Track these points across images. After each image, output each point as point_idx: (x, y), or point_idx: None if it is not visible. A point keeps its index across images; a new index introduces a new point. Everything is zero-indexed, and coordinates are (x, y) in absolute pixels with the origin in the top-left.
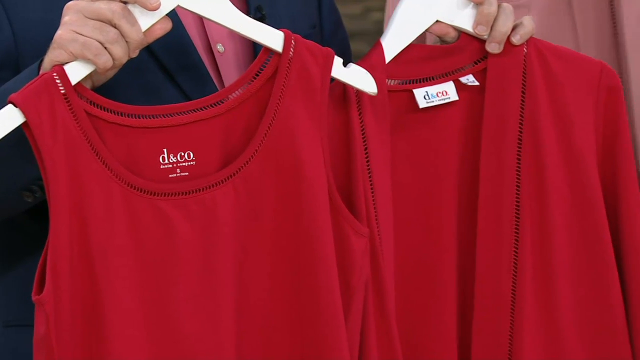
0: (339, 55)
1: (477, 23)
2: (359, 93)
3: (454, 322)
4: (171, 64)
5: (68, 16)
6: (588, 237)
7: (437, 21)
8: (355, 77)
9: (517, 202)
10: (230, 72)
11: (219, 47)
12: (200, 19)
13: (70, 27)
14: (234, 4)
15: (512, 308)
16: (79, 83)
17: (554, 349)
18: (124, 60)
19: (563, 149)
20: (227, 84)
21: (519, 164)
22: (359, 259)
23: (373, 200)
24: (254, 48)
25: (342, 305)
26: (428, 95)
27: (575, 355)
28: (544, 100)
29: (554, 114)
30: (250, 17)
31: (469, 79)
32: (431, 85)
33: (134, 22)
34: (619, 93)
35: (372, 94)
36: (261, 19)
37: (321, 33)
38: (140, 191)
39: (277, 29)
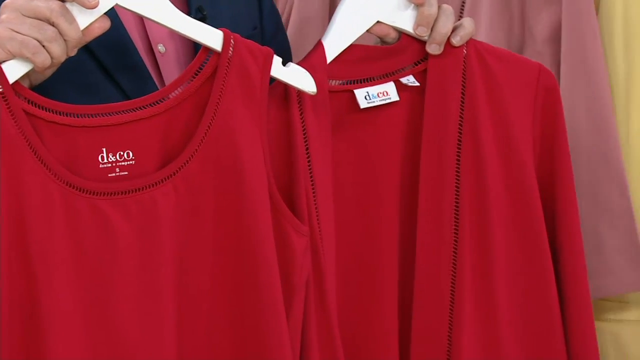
0: (279, 56)
1: (417, 24)
2: (300, 93)
3: (395, 321)
4: (111, 63)
5: (5, 14)
6: (525, 236)
7: (378, 22)
8: (295, 76)
9: (457, 201)
10: (171, 72)
11: (160, 48)
12: (141, 19)
13: (8, 25)
14: (174, 4)
15: (451, 307)
16: (16, 82)
17: (492, 348)
18: (62, 58)
19: (501, 149)
20: (168, 84)
21: (459, 163)
22: (300, 258)
23: (314, 199)
24: (195, 48)
25: (284, 303)
26: (369, 96)
27: (512, 355)
28: (483, 101)
29: (493, 114)
30: (191, 17)
31: (410, 80)
32: (372, 85)
33: (72, 20)
34: (556, 94)
35: (312, 94)
36: (202, 19)
37: (262, 34)
38: (79, 190)
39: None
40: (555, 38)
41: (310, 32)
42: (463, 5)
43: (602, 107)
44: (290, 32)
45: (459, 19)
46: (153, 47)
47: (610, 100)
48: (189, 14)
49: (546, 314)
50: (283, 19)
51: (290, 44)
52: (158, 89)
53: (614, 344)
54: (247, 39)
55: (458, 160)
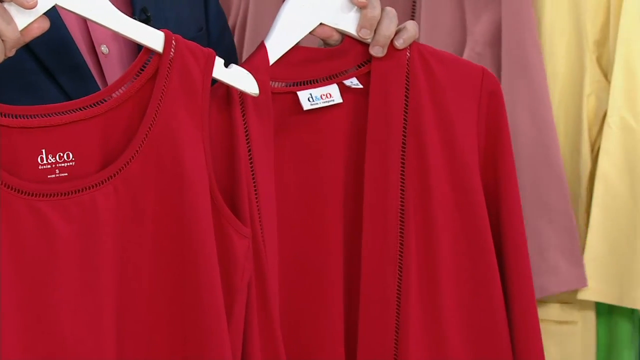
0: (225, 59)
1: (360, 26)
2: (243, 94)
3: (341, 323)
4: (52, 63)
5: None
6: (471, 239)
7: (321, 24)
8: (237, 78)
9: (402, 203)
10: (114, 73)
11: (103, 49)
12: (84, 20)
13: None
14: (118, 5)
15: (398, 309)
16: None
17: (438, 348)
18: (0, 59)
19: (446, 152)
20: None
21: (403, 166)
22: (242, 260)
23: (256, 201)
24: (139, 50)
25: (225, 306)
26: (312, 98)
27: (459, 354)
28: (427, 104)
29: (437, 117)
30: (135, 18)
31: (353, 82)
32: (315, 87)
33: (9, 20)
34: (500, 97)
35: (254, 95)
36: (146, 20)
37: (208, 36)
38: (18, 192)
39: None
40: (496, 39)
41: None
42: (414, 7)
43: (541, 108)
44: (248, 31)
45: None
46: (96, 47)
47: (549, 101)
48: (132, 15)
49: (491, 314)
50: (238, 19)
51: (247, 44)
52: (100, 90)
53: (556, 344)
54: (192, 40)
55: (403, 162)
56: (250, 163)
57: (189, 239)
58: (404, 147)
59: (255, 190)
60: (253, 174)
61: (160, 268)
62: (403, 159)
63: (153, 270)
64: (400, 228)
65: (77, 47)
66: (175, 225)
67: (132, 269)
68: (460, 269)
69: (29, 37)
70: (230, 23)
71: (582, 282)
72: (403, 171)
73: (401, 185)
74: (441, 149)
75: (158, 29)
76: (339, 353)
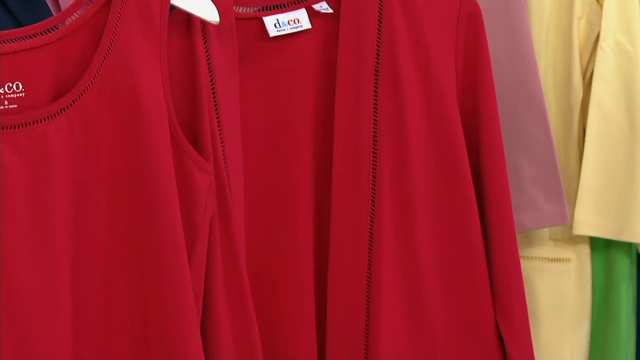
0: None
1: None
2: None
3: (310, 262)
4: None
5: None
6: (447, 171)
7: None
8: (196, 4)
9: (375, 135)
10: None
11: None
12: None
13: None
14: None
15: (370, 246)
16: None
17: (413, 286)
18: None
19: (422, 79)
20: None
21: (376, 95)
22: (203, 197)
23: (220, 134)
24: None
25: (186, 245)
26: (279, 24)
27: (433, 290)
28: (401, 28)
29: (411, 42)
30: None
31: (323, 7)
32: (282, 12)
33: None
34: (479, 20)
35: (214, 23)
36: None
37: None
38: None
39: None
40: None
41: None
42: None
43: (519, 34)
44: None
45: None
46: None
47: (528, 27)
48: None
49: (469, 249)
50: None
51: None
52: (52, 16)
53: (550, 283)
54: None
55: (375, 91)
56: (213, 94)
57: (147, 174)
58: (377, 75)
59: (218, 123)
60: (216, 106)
61: (116, 205)
62: (376, 87)
63: (109, 207)
64: (373, 160)
65: None
66: (132, 160)
67: (87, 206)
68: (436, 202)
69: None
70: None
71: (563, 218)
72: (376, 100)
73: (374, 115)
74: (416, 76)
75: None
76: (308, 292)
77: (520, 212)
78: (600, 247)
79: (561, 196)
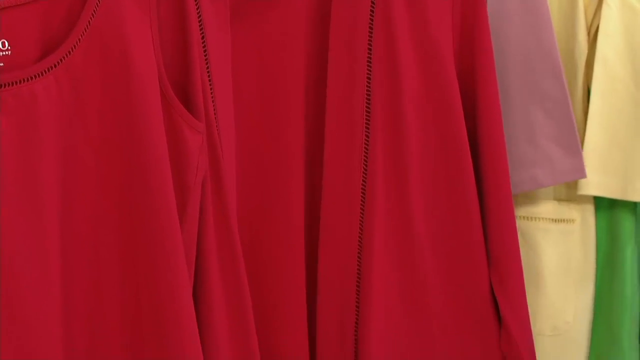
0: None
1: None
2: None
3: (301, 222)
4: None
5: None
6: (443, 131)
7: None
8: None
9: (368, 95)
10: None
11: None
12: None
13: None
14: None
15: (362, 206)
16: None
17: (405, 246)
18: None
19: (417, 38)
20: None
21: (370, 54)
22: (195, 157)
23: (211, 93)
24: None
25: (177, 206)
26: None
27: (426, 254)
28: None
29: (407, 2)
30: None
31: None
32: None
33: None
34: None
35: None
36: None
37: None
38: None
39: None
40: None
41: None
42: None
43: None
44: None
45: None
46: None
47: None
48: None
49: (464, 209)
50: None
51: None
52: None
53: (553, 243)
54: None
55: (369, 50)
56: (204, 51)
57: (137, 134)
58: (371, 34)
59: (209, 81)
60: (207, 64)
61: (105, 165)
62: (370, 46)
63: (98, 167)
64: (366, 119)
65: None
66: (121, 119)
67: (76, 166)
68: (430, 163)
69: None
70: None
71: (580, 173)
72: (370, 60)
73: (367, 75)
74: (412, 34)
75: None
76: (299, 252)
77: (535, 168)
78: (605, 206)
79: (578, 150)
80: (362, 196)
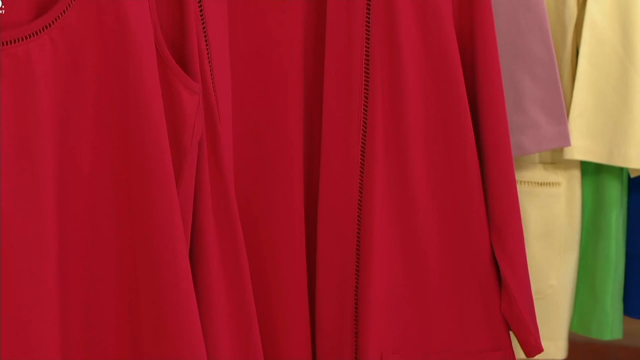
0: None
1: None
2: None
3: (300, 186)
4: None
5: None
6: (442, 90)
7: None
8: None
9: (367, 54)
10: None
11: None
12: None
13: None
14: None
15: (362, 168)
16: None
17: (405, 208)
18: None
19: None
20: None
21: (369, 12)
22: (191, 118)
23: (208, 54)
24: None
25: (174, 168)
26: None
27: (426, 213)
28: None
29: None
30: None
31: None
32: None
33: None
34: None
35: None
36: None
37: None
38: None
39: None
40: None
41: None
42: None
43: None
44: None
45: None
46: None
47: None
48: None
49: (464, 172)
50: None
51: None
52: None
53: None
54: None
55: (368, 9)
56: (200, 11)
57: (133, 95)
58: None
59: (206, 42)
60: (204, 24)
61: (102, 126)
62: (368, 5)
63: (94, 129)
64: (365, 78)
65: None
66: (117, 79)
67: (72, 127)
68: (430, 122)
69: None
70: None
71: (565, 140)
72: (368, 19)
73: (366, 31)
74: None
75: None
76: (297, 213)
77: (520, 134)
78: (591, 171)
79: (563, 117)
80: (361, 156)
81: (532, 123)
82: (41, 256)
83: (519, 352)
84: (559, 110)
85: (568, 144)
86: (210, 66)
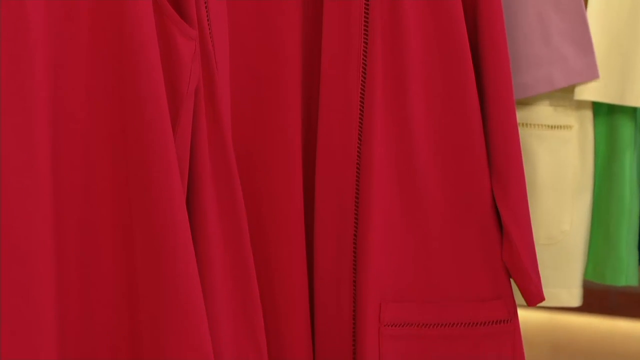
0: None
1: None
2: None
3: (298, 137)
4: None
5: None
6: (443, 32)
7: None
8: None
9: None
10: None
11: None
12: None
13: None
14: None
15: (361, 110)
16: None
17: (405, 155)
18: None
19: None
20: None
21: None
22: (188, 64)
23: (205, 1)
24: None
25: (170, 114)
26: None
27: (426, 161)
28: None
29: None
30: None
31: None
32: None
33: None
34: None
35: None
36: None
37: None
38: None
39: None
40: None
41: None
42: None
43: None
44: None
45: None
46: None
47: None
48: None
49: (464, 114)
50: None
51: None
52: None
53: (550, 150)
54: None
55: None
56: None
57: (128, 40)
58: None
59: None
60: None
61: (97, 72)
62: None
63: (89, 75)
64: (365, 27)
65: None
66: (112, 25)
67: (67, 72)
68: (430, 66)
69: None
70: None
71: (594, 72)
72: None
73: None
74: None
75: None
76: (296, 160)
77: (547, 67)
78: (603, 112)
79: (590, 48)
80: (360, 101)
81: (560, 56)
82: (35, 200)
83: (519, 300)
84: (587, 41)
85: (597, 75)
86: (207, 12)
